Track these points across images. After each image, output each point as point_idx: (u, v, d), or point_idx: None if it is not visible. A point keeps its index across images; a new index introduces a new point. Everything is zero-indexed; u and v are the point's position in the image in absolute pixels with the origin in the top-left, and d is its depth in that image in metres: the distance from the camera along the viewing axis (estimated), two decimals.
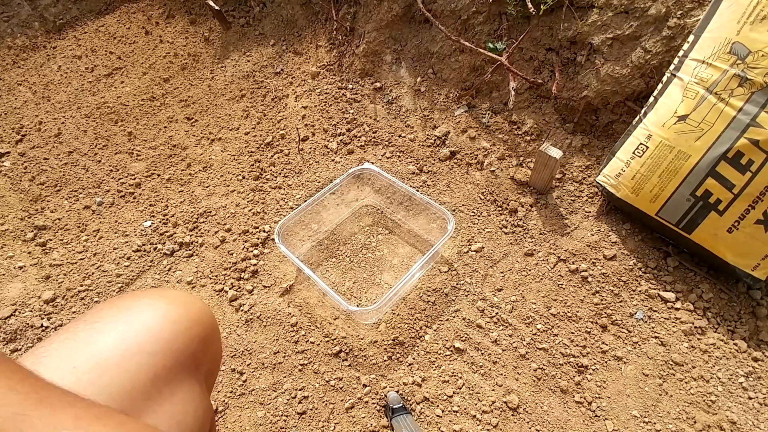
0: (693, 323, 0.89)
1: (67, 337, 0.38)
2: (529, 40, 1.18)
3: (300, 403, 0.85)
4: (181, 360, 0.41)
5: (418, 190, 1.17)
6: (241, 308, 0.99)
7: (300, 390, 0.87)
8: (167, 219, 1.18)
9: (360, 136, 1.32)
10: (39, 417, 0.22)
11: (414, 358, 0.90)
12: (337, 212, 1.17)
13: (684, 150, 0.88)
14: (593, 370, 0.86)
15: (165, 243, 1.12)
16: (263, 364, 0.91)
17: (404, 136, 1.30)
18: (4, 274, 1.09)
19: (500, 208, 1.12)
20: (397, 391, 0.85)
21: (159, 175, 1.30)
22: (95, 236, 1.16)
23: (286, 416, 0.84)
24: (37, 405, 0.23)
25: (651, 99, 0.95)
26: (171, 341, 0.40)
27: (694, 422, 0.79)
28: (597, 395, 0.83)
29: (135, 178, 1.29)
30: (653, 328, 0.90)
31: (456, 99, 1.31)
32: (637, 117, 0.97)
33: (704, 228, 0.89)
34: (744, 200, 0.84)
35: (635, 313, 0.92)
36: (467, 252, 1.05)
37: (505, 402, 0.83)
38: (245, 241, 1.11)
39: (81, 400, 0.25)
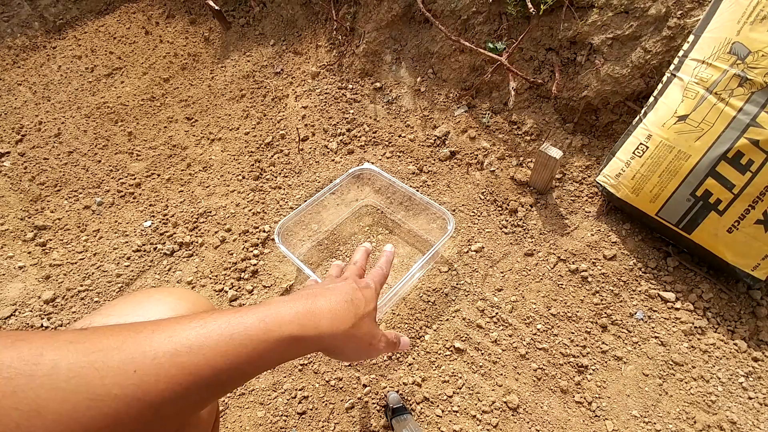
0: (693, 323, 0.89)
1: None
2: (529, 40, 1.18)
3: (300, 403, 0.85)
4: None
5: (418, 190, 1.17)
6: None
7: (300, 390, 0.87)
8: (167, 219, 1.18)
9: (360, 136, 1.32)
10: None
11: (414, 358, 0.90)
12: (337, 212, 1.17)
13: (684, 150, 0.88)
14: (593, 370, 0.86)
15: (165, 243, 1.12)
16: None
17: (404, 136, 1.30)
18: (4, 274, 1.09)
19: (500, 208, 1.12)
20: (397, 391, 0.85)
21: (159, 175, 1.30)
22: (95, 236, 1.16)
23: (286, 416, 0.84)
24: None
25: (651, 99, 0.95)
26: None
27: (694, 422, 0.79)
28: (597, 395, 0.83)
29: (135, 178, 1.29)
30: (653, 328, 0.90)
31: (456, 99, 1.31)
32: (637, 117, 0.97)
33: (704, 228, 0.89)
34: (744, 200, 0.84)
35: (635, 313, 0.92)
36: (467, 252, 1.05)
37: (505, 402, 0.83)
38: (245, 241, 1.11)
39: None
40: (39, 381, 0.25)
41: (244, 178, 1.26)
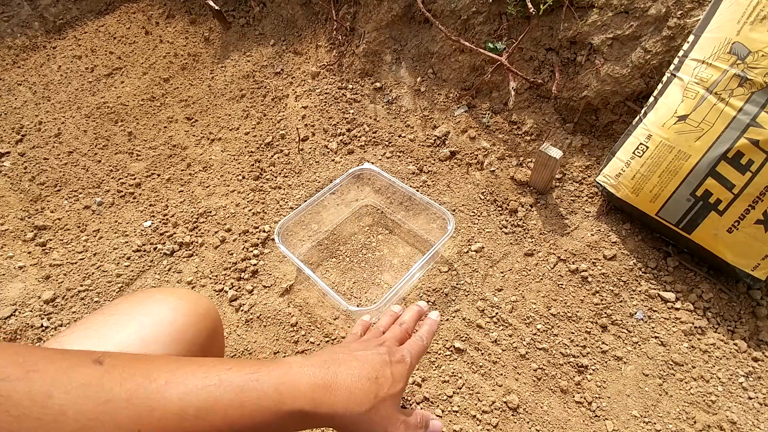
0: (693, 323, 0.89)
1: (87, 327, 0.42)
2: (529, 40, 1.18)
3: None
4: (191, 350, 0.45)
5: (418, 190, 1.17)
6: (241, 308, 0.99)
7: None
8: (167, 219, 1.18)
9: (360, 136, 1.32)
10: None
11: None
12: (337, 212, 1.17)
13: (684, 150, 0.88)
14: (593, 370, 0.86)
15: (165, 243, 1.12)
16: None
17: (404, 136, 1.31)
18: (4, 274, 1.09)
19: (500, 208, 1.12)
20: None
21: (159, 175, 1.30)
22: (95, 236, 1.16)
23: None
24: None
25: (651, 99, 0.95)
26: (183, 332, 0.44)
27: (694, 422, 0.79)
28: (597, 395, 0.83)
29: (135, 178, 1.29)
30: (653, 328, 0.90)
31: (456, 99, 1.31)
32: (637, 117, 0.97)
33: (704, 228, 0.89)
34: (744, 200, 0.84)
35: (635, 313, 0.92)
36: (467, 252, 1.05)
37: (505, 402, 0.83)
38: (245, 241, 1.11)
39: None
40: (46, 427, 0.25)
41: (244, 178, 1.26)
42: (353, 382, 0.39)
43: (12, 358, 0.27)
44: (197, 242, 1.12)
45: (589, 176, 1.12)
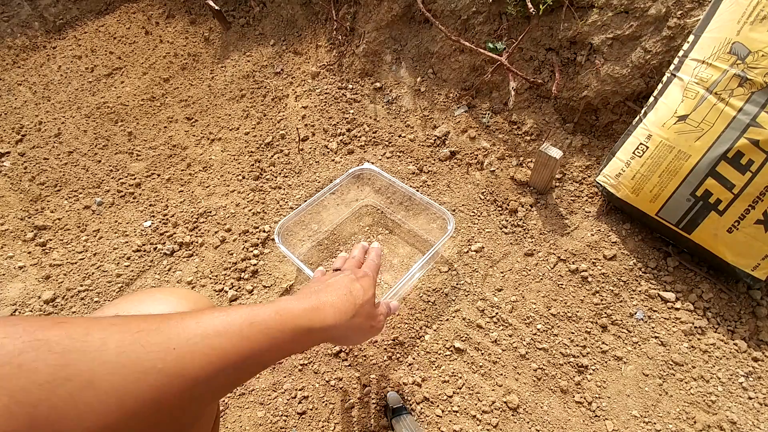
0: (693, 323, 0.89)
1: None
2: (529, 40, 1.18)
3: (300, 403, 0.85)
4: None
5: (418, 190, 1.17)
6: None
7: (300, 390, 0.87)
8: (167, 219, 1.18)
9: (360, 136, 1.32)
10: None
11: (414, 358, 0.90)
12: (337, 212, 1.17)
13: (684, 150, 0.88)
14: (593, 370, 0.86)
15: (165, 243, 1.12)
16: None
17: (404, 136, 1.30)
18: (4, 274, 1.09)
19: (500, 208, 1.12)
20: (397, 391, 0.85)
21: (159, 175, 1.30)
22: (95, 236, 1.16)
23: (286, 416, 0.84)
24: None
25: (651, 99, 0.95)
26: None
27: (694, 422, 0.79)
28: (597, 395, 0.83)
29: (135, 178, 1.29)
30: (653, 328, 0.90)
31: (456, 99, 1.31)
32: (637, 117, 0.97)
33: (704, 228, 0.89)
34: (744, 200, 0.84)
35: (635, 313, 0.92)
36: (467, 252, 1.05)
37: (505, 402, 0.83)
38: (245, 241, 1.11)
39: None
40: (91, 355, 0.27)
41: (244, 178, 1.26)
42: (335, 300, 0.47)
43: (38, 320, 0.28)
44: (197, 242, 1.12)
45: (589, 176, 1.12)
